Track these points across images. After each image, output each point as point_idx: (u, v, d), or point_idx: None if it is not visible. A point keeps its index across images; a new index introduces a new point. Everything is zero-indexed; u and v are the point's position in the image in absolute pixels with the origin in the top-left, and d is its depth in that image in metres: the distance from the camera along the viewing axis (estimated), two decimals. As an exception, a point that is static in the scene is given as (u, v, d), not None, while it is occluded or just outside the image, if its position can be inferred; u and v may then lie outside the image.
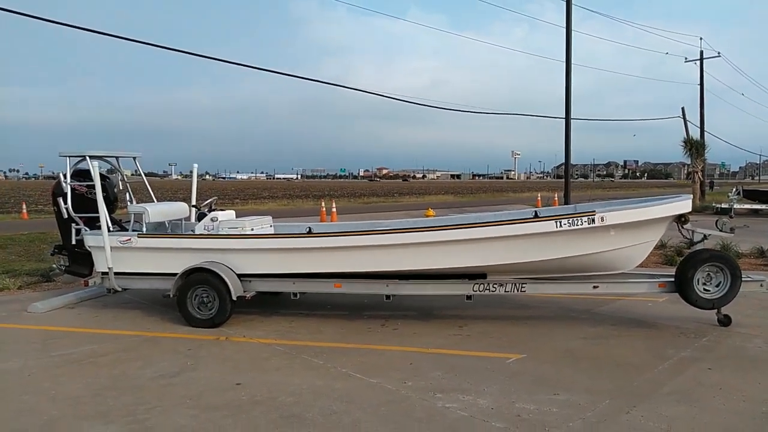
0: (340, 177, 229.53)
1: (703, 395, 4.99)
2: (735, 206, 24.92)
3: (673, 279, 7.02)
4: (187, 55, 15.04)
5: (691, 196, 7.24)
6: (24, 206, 27.29)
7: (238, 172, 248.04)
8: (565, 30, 15.90)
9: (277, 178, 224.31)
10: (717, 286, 6.89)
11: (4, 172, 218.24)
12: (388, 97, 19.80)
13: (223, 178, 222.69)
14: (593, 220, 6.62)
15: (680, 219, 7.03)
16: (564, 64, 15.86)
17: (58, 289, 9.62)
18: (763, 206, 25.85)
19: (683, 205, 6.93)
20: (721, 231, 7.28)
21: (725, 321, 7.05)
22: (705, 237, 7.23)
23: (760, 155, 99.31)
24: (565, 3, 15.85)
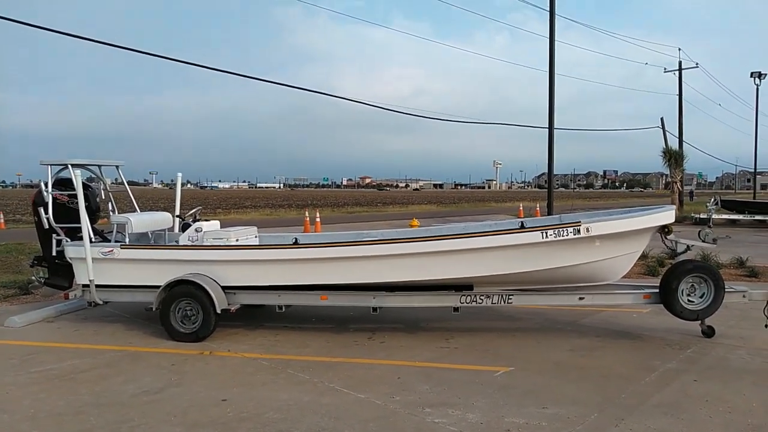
0: (323, 186, 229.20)
1: (689, 407, 5.01)
2: (713, 216, 25.25)
3: (657, 290, 7.07)
4: (167, 60, 14.90)
5: (674, 206, 7.30)
6: (1, 215, 26.78)
7: (220, 181, 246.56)
8: (548, 40, 16.07)
9: (260, 187, 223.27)
10: (701, 297, 6.95)
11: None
12: (371, 106, 19.83)
13: (205, 187, 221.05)
14: (579, 231, 6.65)
15: (664, 230, 7.10)
16: (547, 74, 16.02)
17: (36, 302, 9.41)
18: (741, 216, 26.28)
19: (667, 215, 7.00)
20: (704, 242, 7.38)
21: (709, 332, 7.11)
22: (688, 248, 7.30)
23: (736, 165, 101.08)
24: (548, 14, 16.03)
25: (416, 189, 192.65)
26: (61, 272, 8.13)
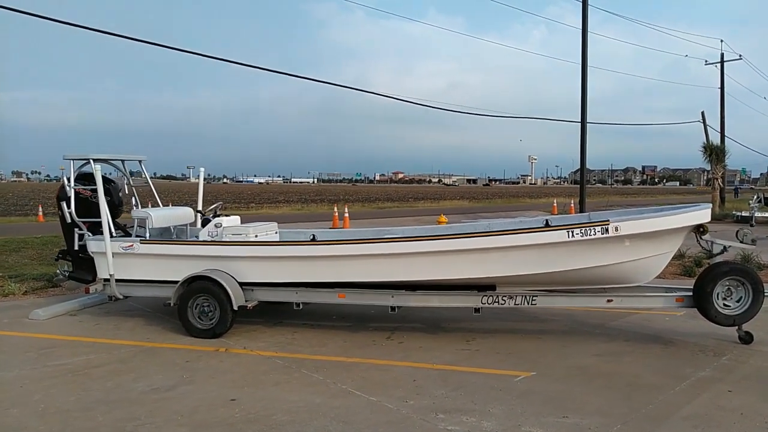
0: (356, 181, 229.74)
1: (723, 420, 4.69)
2: (756, 215, 24.28)
3: (691, 293, 6.71)
4: (207, 58, 15.05)
5: (710, 205, 6.91)
6: (40, 209, 27.48)
7: (255, 176, 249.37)
8: (581, 32, 15.59)
9: (294, 182, 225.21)
10: (738, 301, 6.57)
11: (27, 175, 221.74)
12: (404, 101, 19.61)
13: (241, 181, 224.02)
14: (607, 230, 6.34)
15: (699, 229, 6.72)
16: (580, 67, 15.54)
17: (62, 295, 9.52)
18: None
19: (702, 214, 6.62)
20: (742, 242, 6.97)
21: (747, 338, 6.72)
22: (725, 249, 6.90)
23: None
24: (581, 5, 15.54)
25: (449, 184, 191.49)
26: (84, 266, 8.18)
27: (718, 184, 30.95)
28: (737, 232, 6.96)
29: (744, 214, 24.47)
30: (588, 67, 15.37)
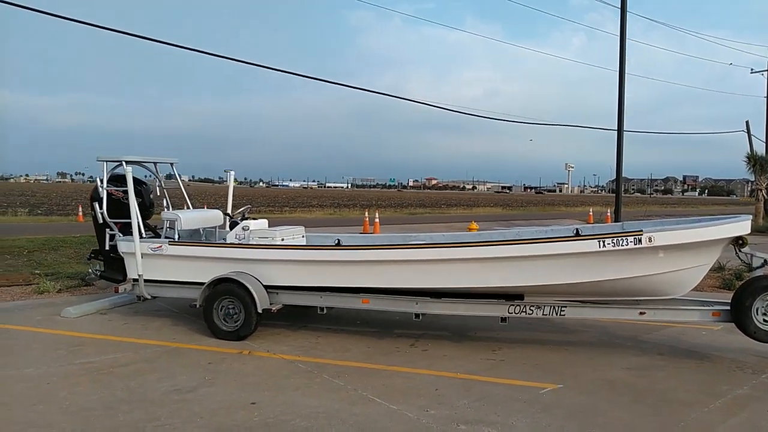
0: (390, 186, 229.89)
1: (759, 442, 4.47)
2: (802, 227, 23.40)
3: (728, 307, 6.43)
4: (246, 65, 15.31)
5: (751, 216, 6.63)
6: (80, 209, 28.22)
7: (291, 180, 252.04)
8: (619, 39, 15.28)
9: (328, 187, 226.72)
10: (779, 317, 6.27)
11: (71, 176, 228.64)
12: (436, 107, 19.54)
13: (277, 185, 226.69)
14: (640, 240, 6.13)
15: (737, 241, 6.44)
16: (617, 74, 15.23)
17: (95, 294, 9.71)
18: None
19: (741, 226, 6.35)
20: (783, 256, 6.64)
21: (788, 356, 6.42)
22: (765, 262, 6.60)
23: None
24: (620, 12, 15.24)
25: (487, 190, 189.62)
26: (115, 266, 8.31)
27: (763, 195, 29.90)
28: (779, 245, 6.65)
29: (789, 226, 23.57)
30: (625, 75, 15.04)
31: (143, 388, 5.42)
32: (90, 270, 8.77)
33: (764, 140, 33.73)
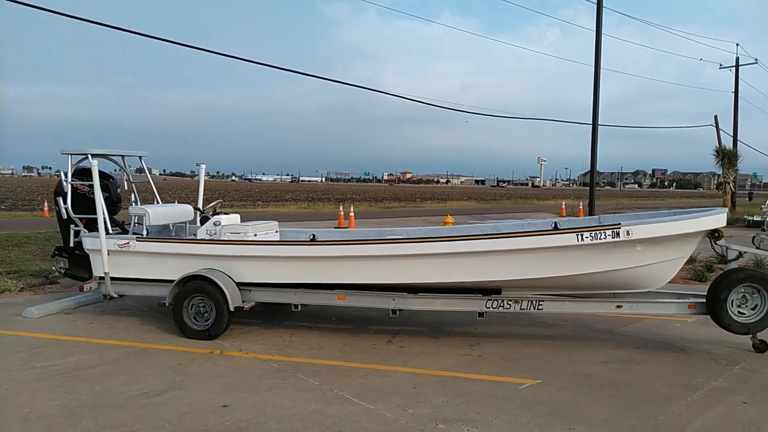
0: (364, 180, 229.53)
1: (738, 435, 4.45)
2: (768, 219, 23.92)
3: (704, 300, 6.46)
4: (217, 55, 14.90)
5: (726, 209, 6.66)
6: (46, 204, 27.46)
7: (264, 174, 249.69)
8: (594, 34, 15.31)
9: (302, 181, 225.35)
10: (753, 309, 6.32)
11: (38, 170, 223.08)
12: (414, 100, 19.37)
13: (249, 179, 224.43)
14: (618, 234, 6.10)
15: (713, 234, 6.45)
16: (593, 68, 15.27)
17: (58, 293, 9.36)
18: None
19: (717, 219, 6.36)
20: (758, 248, 6.71)
21: (761, 347, 6.46)
22: (740, 254, 6.65)
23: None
24: (596, 7, 15.26)
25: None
26: (80, 263, 8.01)
27: (730, 188, 30.53)
28: (753, 238, 6.71)
29: (756, 218, 24.09)
30: (601, 69, 15.09)
31: (109, 392, 5.17)
32: (54, 267, 8.45)
33: (731, 134, 34.43)
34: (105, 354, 6.31)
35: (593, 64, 15.72)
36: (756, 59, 35.71)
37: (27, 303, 8.48)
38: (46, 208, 26.27)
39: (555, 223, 6.88)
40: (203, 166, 9.60)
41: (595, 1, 15.95)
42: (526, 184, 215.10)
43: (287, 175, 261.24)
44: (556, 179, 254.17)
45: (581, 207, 31.60)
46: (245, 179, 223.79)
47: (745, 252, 6.63)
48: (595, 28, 15.75)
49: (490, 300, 6.62)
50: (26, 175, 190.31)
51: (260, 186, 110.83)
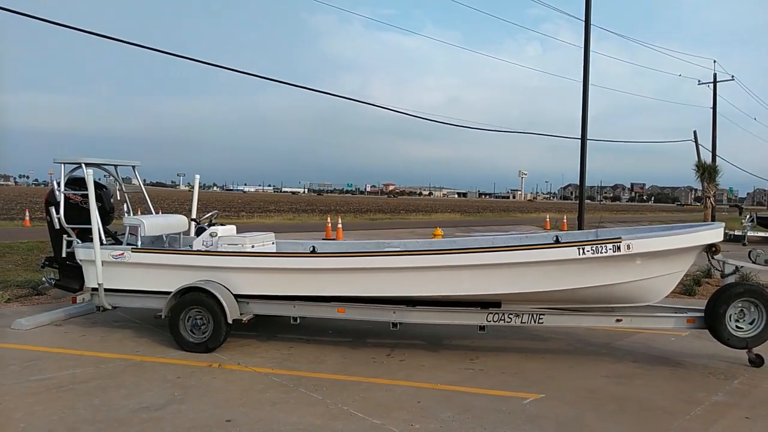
0: (347, 192, 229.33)
1: (745, 450, 4.46)
2: (749, 233, 24.37)
3: (702, 314, 6.51)
4: (199, 63, 14.73)
5: (723, 224, 6.75)
6: (27, 213, 26.99)
7: (245, 185, 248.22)
8: (583, 49, 15.52)
9: (285, 192, 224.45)
10: (751, 323, 6.38)
11: (15, 178, 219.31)
12: (398, 112, 19.41)
13: (231, 190, 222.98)
14: (619, 248, 6.14)
15: (710, 248, 6.54)
16: (581, 83, 15.45)
17: (48, 304, 9.16)
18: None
19: (715, 233, 6.45)
20: (755, 263, 6.78)
21: (757, 361, 6.52)
22: (737, 269, 6.73)
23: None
24: (584, 23, 15.48)
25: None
26: (72, 274, 7.85)
27: (710, 202, 30.98)
28: (750, 252, 6.79)
29: (737, 233, 24.51)
30: (589, 84, 15.29)
31: (108, 407, 5.05)
32: (44, 278, 8.27)
33: (710, 149, 35.03)
34: (100, 367, 6.17)
35: (581, 80, 15.91)
36: (732, 76, 36.51)
37: (15, 314, 8.28)
38: (27, 218, 25.81)
39: (556, 236, 6.91)
40: (197, 176, 9.50)
41: (583, 20, 16.20)
42: (507, 197, 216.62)
43: (269, 185, 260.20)
44: (536, 192, 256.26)
45: (565, 221, 31.87)
46: (226, 189, 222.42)
47: (742, 266, 6.71)
48: (583, 44, 15.98)
49: (491, 313, 6.60)
50: (2, 184, 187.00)
51: (242, 197, 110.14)
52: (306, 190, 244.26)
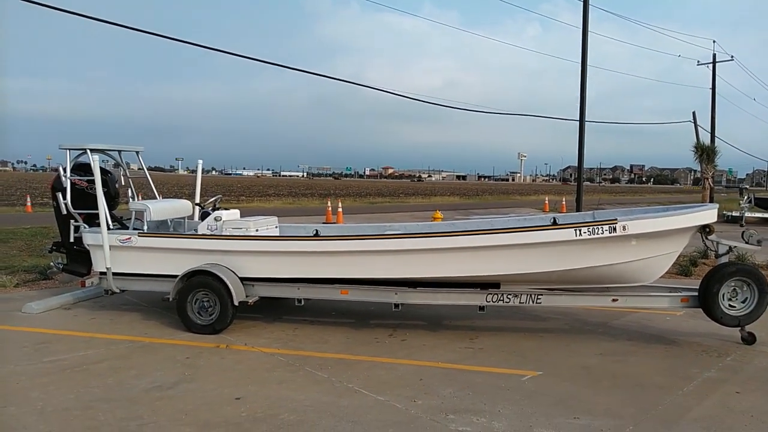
0: (346, 176, 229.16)
1: (734, 423, 4.65)
2: (746, 215, 24.52)
3: (696, 293, 6.68)
4: (198, 47, 14.78)
5: (717, 205, 6.90)
6: (28, 199, 27.09)
7: (244, 169, 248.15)
8: (581, 30, 15.55)
9: (283, 175, 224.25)
10: (743, 302, 6.56)
11: (12, 164, 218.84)
12: (396, 95, 19.44)
13: (230, 174, 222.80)
14: (615, 229, 6.29)
15: (705, 229, 6.70)
16: (579, 65, 15.51)
17: (55, 288, 9.33)
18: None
19: (709, 214, 6.60)
20: (747, 243, 6.93)
21: (749, 339, 6.71)
22: (730, 249, 6.88)
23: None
24: (582, 3, 15.49)
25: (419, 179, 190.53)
26: (79, 259, 8.02)
27: (709, 183, 31.11)
28: (743, 233, 6.93)
29: (734, 214, 24.68)
30: (587, 66, 15.34)
31: (121, 386, 5.24)
32: (52, 263, 8.43)
33: (709, 130, 35.09)
34: (111, 348, 6.35)
35: (580, 62, 15.97)
36: (732, 56, 36.45)
37: (24, 299, 8.45)
38: (28, 203, 25.92)
39: (554, 218, 7.06)
40: (200, 161, 9.60)
41: (581, 1, 16.21)
42: (507, 180, 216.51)
43: (268, 169, 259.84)
44: (536, 175, 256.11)
45: (564, 203, 32.04)
46: (225, 174, 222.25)
47: (735, 246, 6.86)
48: (581, 27, 16.01)
49: (491, 294, 6.78)
50: (0, 170, 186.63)
51: (241, 181, 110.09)
52: (305, 173, 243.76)
